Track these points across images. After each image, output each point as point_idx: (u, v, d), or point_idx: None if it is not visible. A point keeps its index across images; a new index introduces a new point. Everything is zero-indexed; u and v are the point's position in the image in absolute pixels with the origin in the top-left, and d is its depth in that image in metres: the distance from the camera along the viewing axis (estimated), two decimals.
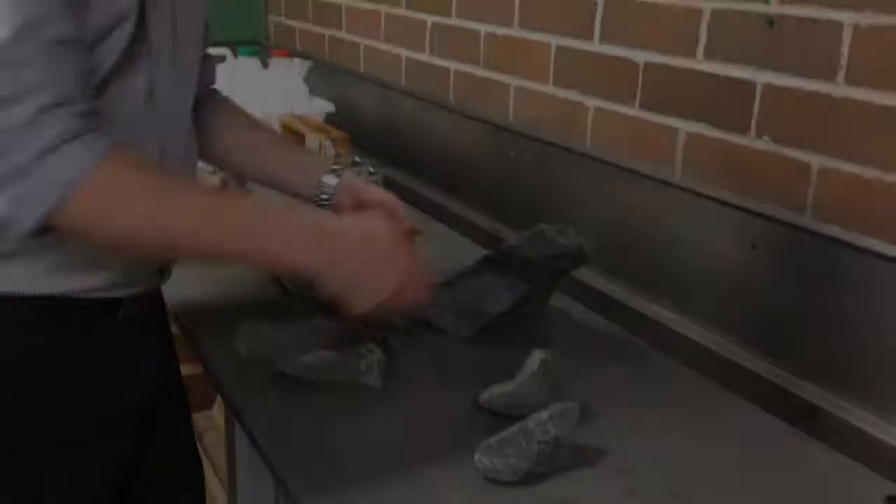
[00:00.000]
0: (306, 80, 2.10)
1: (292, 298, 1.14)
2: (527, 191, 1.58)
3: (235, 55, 2.21)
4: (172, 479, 1.14)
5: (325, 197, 1.12)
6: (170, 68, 0.91)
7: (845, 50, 1.02)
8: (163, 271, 0.98)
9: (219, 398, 1.85)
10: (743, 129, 1.16)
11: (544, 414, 0.87)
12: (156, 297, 1.02)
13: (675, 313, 1.28)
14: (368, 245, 0.89)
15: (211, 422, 1.89)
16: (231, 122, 1.15)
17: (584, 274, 1.43)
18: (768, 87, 1.12)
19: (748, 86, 1.15)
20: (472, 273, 1.19)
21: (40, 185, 0.73)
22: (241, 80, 2.10)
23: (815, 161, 1.08)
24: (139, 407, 0.98)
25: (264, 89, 1.97)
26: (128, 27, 0.82)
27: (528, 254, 1.12)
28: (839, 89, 1.03)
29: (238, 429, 1.15)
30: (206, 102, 1.12)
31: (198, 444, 1.24)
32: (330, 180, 1.12)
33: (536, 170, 1.55)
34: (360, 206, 1.12)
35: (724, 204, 1.19)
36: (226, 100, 1.18)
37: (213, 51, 2.21)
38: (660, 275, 1.31)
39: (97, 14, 0.79)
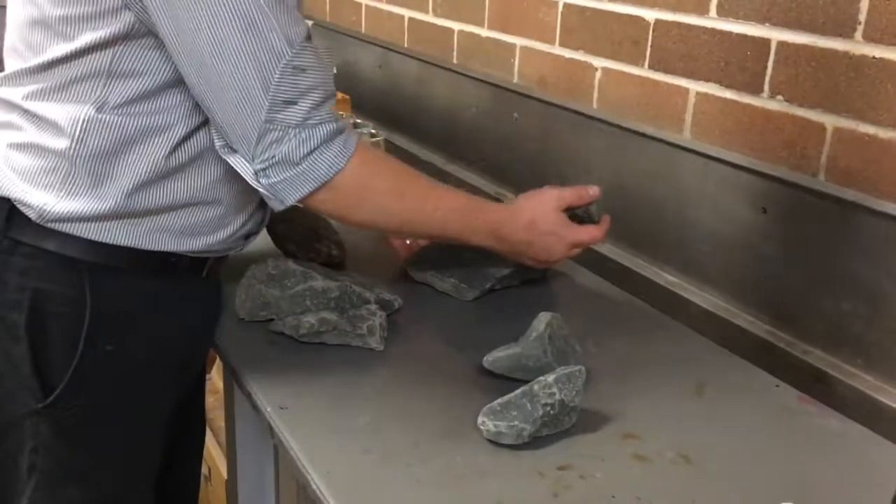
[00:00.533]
0: None
1: (292, 259, 1.12)
2: (531, 154, 1.55)
3: None
4: (195, 422, 1.23)
5: None
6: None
7: (864, 6, 0.99)
8: (248, 237, 1.05)
9: (218, 362, 1.84)
10: (756, 89, 1.13)
11: (549, 377, 0.85)
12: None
13: (683, 278, 1.26)
14: (531, 232, 1.06)
15: (210, 385, 1.88)
16: None
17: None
18: (783, 45, 1.09)
19: (762, 44, 1.11)
20: None
21: (305, 175, 0.88)
22: None
23: (830, 121, 1.05)
24: (204, 356, 1.11)
25: None
26: None
27: None
28: (857, 47, 1.00)
29: (237, 391, 1.13)
30: None
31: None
32: None
33: (541, 132, 1.52)
34: None
35: (735, 166, 1.16)
36: None
37: None
38: (668, 239, 1.29)
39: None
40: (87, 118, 0.87)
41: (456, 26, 1.75)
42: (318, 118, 0.88)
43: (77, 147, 0.88)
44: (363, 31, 2.14)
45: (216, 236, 0.98)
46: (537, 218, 1.06)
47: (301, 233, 1.22)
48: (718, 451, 0.84)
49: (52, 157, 0.89)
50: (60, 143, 0.88)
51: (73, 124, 0.87)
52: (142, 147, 0.90)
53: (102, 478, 0.99)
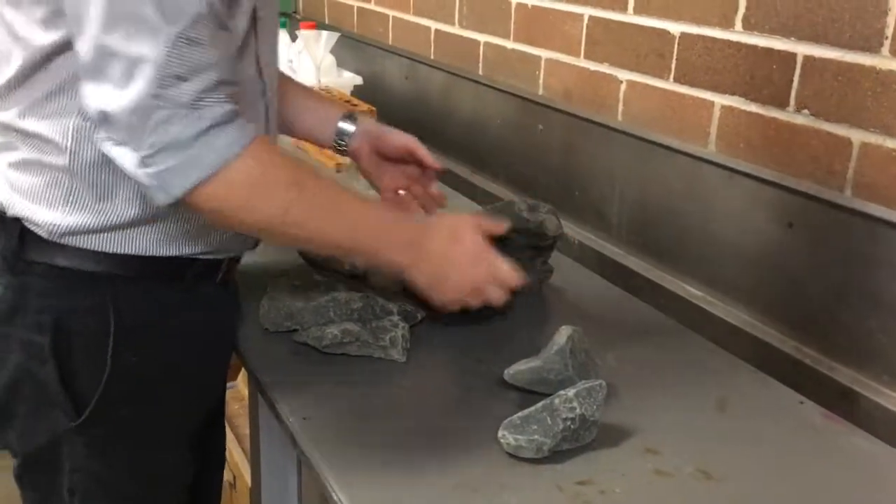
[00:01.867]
0: (334, 52, 2.08)
1: (317, 271, 1.13)
2: (555, 166, 1.55)
3: None
4: (218, 436, 1.23)
5: (342, 143, 1.18)
6: (268, 39, 0.98)
7: (891, 20, 0.98)
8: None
9: (243, 370, 1.86)
10: (782, 103, 1.13)
11: (570, 391, 0.85)
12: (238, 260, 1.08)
13: (707, 292, 1.25)
14: (454, 245, 0.96)
15: (235, 393, 1.90)
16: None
17: (613, 251, 1.41)
18: (809, 60, 1.08)
19: (788, 58, 1.11)
20: None
21: (194, 159, 0.79)
22: None
23: (857, 136, 1.04)
24: (228, 361, 1.08)
25: (292, 61, 1.95)
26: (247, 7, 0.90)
27: None
28: (884, 62, 0.99)
29: (261, 400, 1.14)
30: None
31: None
32: (347, 126, 1.17)
33: (565, 144, 1.52)
34: (377, 150, 1.18)
35: (760, 181, 1.15)
36: None
37: None
38: (692, 253, 1.28)
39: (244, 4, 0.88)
40: (76, 128, 0.86)
41: (482, 38, 1.76)
42: (211, 100, 0.79)
43: (73, 159, 0.87)
44: (390, 42, 2.16)
45: (226, 232, 0.96)
46: (460, 231, 0.98)
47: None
48: (740, 468, 0.84)
49: (52, 172, 0.88)
50: (57, 158, 0.87)
51: (64, 137, 0.86)
52: None
53: (137, 492, 1.00)
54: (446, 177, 1.81)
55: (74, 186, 0.88)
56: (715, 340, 1.15)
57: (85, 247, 0.90)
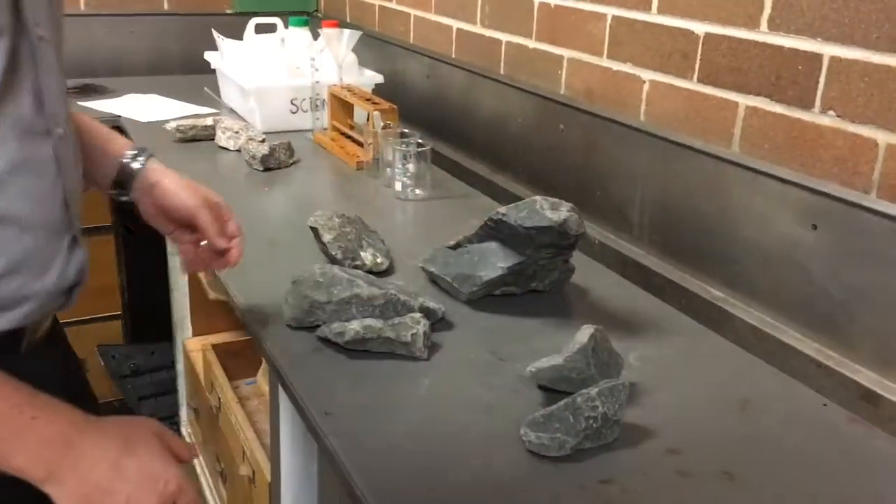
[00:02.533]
0: (356, 50, 2.08)
1: (338, 267, 1.14)
2: (576, 166, 1.55)
3: (286, 25, 2.20)
4: None
5: (121, 188, 0.99)
6: (53, 66, 0.81)
7: None
8: (71, 291, 0.85)
9: (263, 365, 1.87)
10: (807, 104, 1.12)
11: (593, 390, 0.85)
12: (54, 319, 0.91)
13: (729, 293, 1.25)
14: (125, 456, 0.74)
15: (255, 388, 1.91)
16: None
17: (634, 251, 1.41)
18: (835, 60, 1.08)
19: (814, 59, 1.10)
20: (477, 238, 1.18)
21: None
22: (291, 50, 2.10)
23: (883, 138, 1.03)
24: None
25: (314, 60, 1.96)
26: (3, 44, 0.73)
27: (513, 223, 1.10)
28: None
29: (282, 396, 1.15)
30: None
31: None
32: (130, 164, 0.98)
33: (586, 144, 1.52)
34: (159, 209, 0.99)
35: (784, 182, 1.15)
36: None
37: (263, 20, 2.23)
38: (713, 254, 1.27)
39: None
40: None
41: (504, 37, 1.77)
42: None
43: None
44: (411, 41, 2.16)
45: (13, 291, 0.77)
46: (134, 438, 0.76)
47: (347, 240, 1.24)
48: (763, 470, 0.84)
49: None
50: None
51: None
52: None
53: None
54: (467, 176, 1.82)
55: None
56: (736, 341, 1.15)
57: None
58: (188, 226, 1.01)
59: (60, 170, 0.82)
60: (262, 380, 1.87)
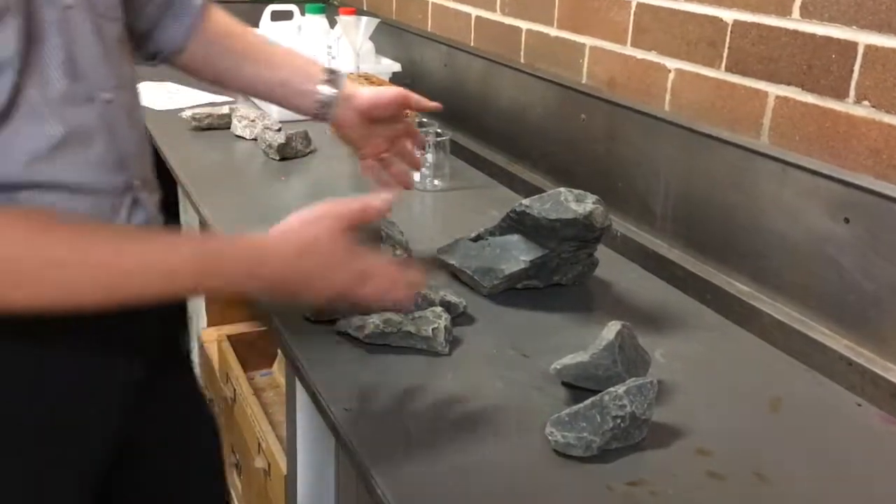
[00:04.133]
0: (373, 38, 2.06)
1: None
2: (597, 156, 1.52)
3: (303, 13, 2.18)
4: (181, 449, 1.06)
5: (322, 111, 1.10)
6: (85, 33, 0.80)
7: None
8: None
9: (279, 356, 1.85)
10: (840, 94, 1.09)
11: (620, 388, 0.82)
12: None
13: (755, 287, 1.22)
14: (306, 256, 0.82)
15: (270, 380, 1.90)
16: (216, 40, 1.08)
17: (657, 244, 1.38)
18: (871, 49, 1.04)
19: (849, 47, 1.07)
20: (498, 230, 1.16)
21: None
22: (307, 37, 2.08)
23: None
24: (133, 383, 0.90)
25: (331, 48, 1.94)
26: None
27: (537, 215, 1.07)
28: None
29: (300, 389, 1.13)
30: (191, 25, 1.06)
31: (214, 417, 1.15)
32: (326, 90, 1.09)
33: (608, 134, 1.49)
34: (367, 115, 1.10)
35: (816, 174, 1.11)
36: (209, 17, 1.09)
37: (280, 8, 2.20)
38: (740, 247, 1.24)
39: None
40: None
41: (524, 25, 1.73)
42: None
43: None
44: (429, 29, 2.13)
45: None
46: (308, 242, 0.83)
47: (366, 233, 1.22)
48: (796, 472, 0.81)
49: None
50: None
51: None
52: None
53: None
54: (485, 166, 1.80)
55: None
56: (762, 337, 1.12)
57: None
58: (390, 119, 1.11)
59: (112, 134, 0.82)
60: (277, 371, 1.86)
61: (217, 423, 1.15)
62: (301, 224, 0.84)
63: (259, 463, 1.62)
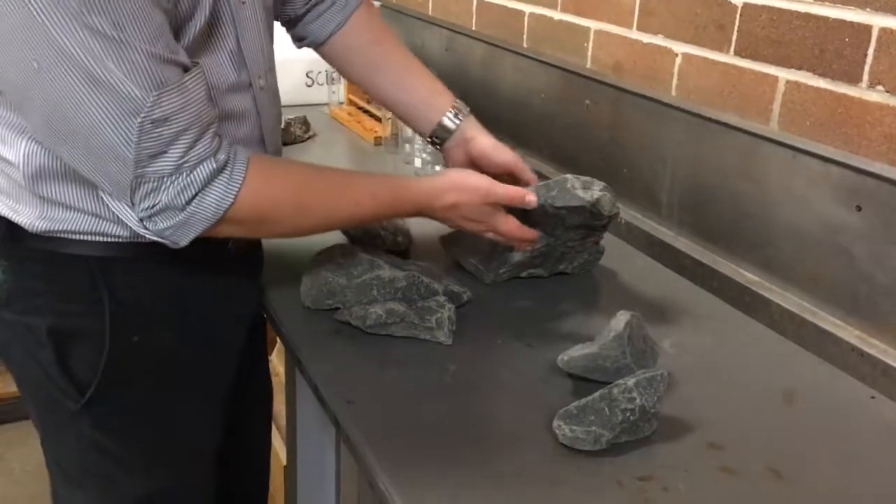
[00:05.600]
0: None
1: (359, 247, 1.09)
2: (602, 143, 1.49)
3: None
4: (260, 401, 1.23)
5: (437, 140, 1.15)
6: (251, 24, 0.93)
7: None
8: None
9: (278, 344, 1.83)
10: (853, 79, 1.06)
11: (630, 381, 0.80)
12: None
13: (764, 277, 1.19)
14: (453, 211, 0.99)
15: (270, 367, 1.88)
16: (357, 45, 1.16)
17: (663, 232, 1.35)
18: (885, 32, 1.01)
19: (862, 30, 1.04)
20: None
21: (192, 218, 0.82)
22: None
23: None
24: (248, 327, 1.07)
25: None
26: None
27: (542, 202, 1.04)
28: None
29: (300, 380, 1.11)
30: (339, 23, 1.15)
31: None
32: (449, 123, 1.14)
33: (614, 120, 1.46)
34: (473, 163, 1.13)
35: (827, 160, 1.09)
36: (360, 17, 1.17)
37: None
38: (748, 236, 1.22)
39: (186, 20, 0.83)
40: (27, 152, 0.84)
41: (527, 8, 1.70)
42: (194, 159, 0.80)
43: (28, 180, 0.85)
44: (430, 13, 2.10)
45: None
46: (461, 203, 0.99)
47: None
48: (811, 467, 0.79)
49: (15, 183, 0.87)
50: (14, 172, 0.86)
51: (16, 156, 0.85)
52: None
53: (159, 469, 0.98)
54: None
55: (37, 199, 0.87)
56: (772, 326, 1.10)
57: (72, 237, 0.88)
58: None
59: (259, 115, 0.96)
60: (276, 359, 1.83)
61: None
62: (456, 181, 1.00)
63: None
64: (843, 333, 1.08)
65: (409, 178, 1.02)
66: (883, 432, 0.86)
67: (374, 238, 1.18)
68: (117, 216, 0.85)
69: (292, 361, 1.07)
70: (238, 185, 0.83)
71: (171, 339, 0.95)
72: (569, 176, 1.05)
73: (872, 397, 0.92)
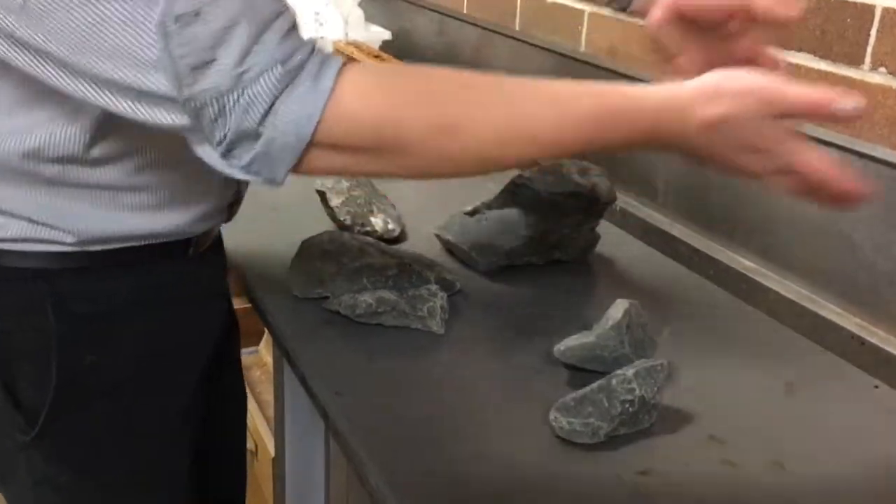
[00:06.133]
0: (362, 5, 1.98)
1: (348, 234, 1.06)
2: None
3: None
4: (229, 408, 1.12)
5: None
6: None
7: None
8: (231, 207, 0.93)
9: (266, 334, 1.80)
10: (856, 61, 1.03)
11: (629, 371, 0.78)
12: (217, 235, 0.97)
13: (762, 264, 1.17)
14: (715, 131, 0.65)
15: (256, 358, 1.85)
16: None
17: (658, 218, 1.33)
18: (889, 13, 0.99)
19: (865, 10, 1.01)
20: (496, 204, 1.10)
21: (274, 145, 0.62)
22: (294, 3, 2.00)
23: None
24: (214, 348, 0.96)
25: (318, 14, 1.86)
26: None
27: (537, 188, 1.01)
28: None
29: (287, 371, 1.08)
30: None
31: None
32: None
33: None
34: (682, 11, 0.77)
35: (828, 144, 1.06)
36: None
37: None
38: (746, 221, 1.20)
39: None
40: None
41: None
42: (256, 67, 0.60)
43: None
44: None
45: (164, 217, 0.82)
46: (732, 116, 0.64)
47: (356, 205, 1.16)
48: (816, 459, 0.77)
49: None
50: None
51: None
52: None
53: (121, 488, 0.90)
54: None
55: None
56: (771, 315, 1.08)
57: (6, 247, 0.78)
58: (718, 25, 0.76)
59: None
60: (264, 349, 1.81)
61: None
62: (717, 92, 0.65)
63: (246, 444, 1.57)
64: (844, 322, 1.05)
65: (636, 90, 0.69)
66: (887, 422, 0.83)
67: (363, 225, 1.15)
68: (57, 221, 0.76)
69: (280, 353, 1.04)
70: (327, 93, 0.61)
71: (129, 357, 0.85)
72: (564, 161, 1.03)
73: (876, 387, 0.89)
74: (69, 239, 0.78)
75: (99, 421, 0.85)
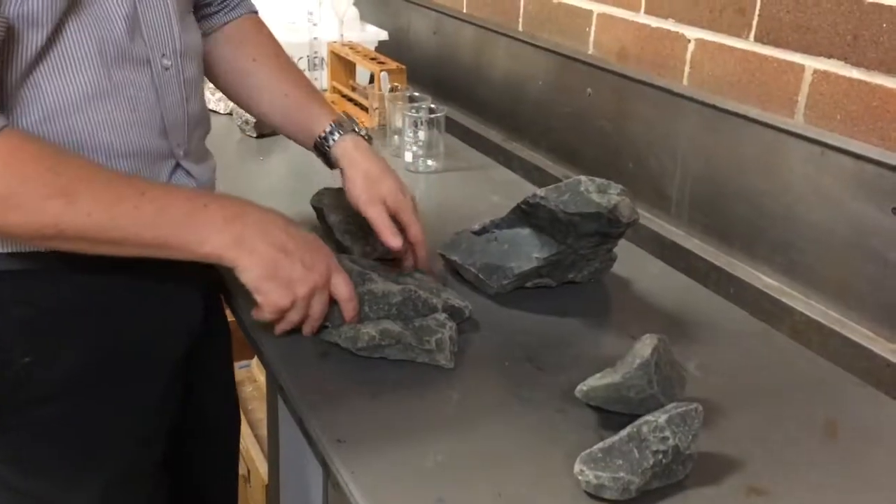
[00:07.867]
0: (357, 5, 1.90)
1: (347, 256, 0.99)
2: (605, 134, 1.39)
3: None
4: (216, 422, 1.12)
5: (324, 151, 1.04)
6: (159, 2, 0.83)
7: None
8: None
9: None
10: (891, 69, 0.96)
11: (661, 417, 0.70)
12: None
13: (786, 282, 1.10)
14: (283, 232, 0.83)
15: (248, 373, 1.77)
16: (244, 52, 1.06)
17: (673, 232, 1.26)
18: None
19: None
20: (506, 223, 1.02)
21: None
22: (288, 3, 1.92)
23: None
24: (184, 349, 0.95)
25: (312, 14, 1.78)
26: None
27: (553, 208, 0.94)
28: None
29: (283, 408, 1.01)
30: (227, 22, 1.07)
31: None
32: (329, 142, 1.03)
33: (618, 111, 1.36)
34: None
35: (859, 157, 1.00)
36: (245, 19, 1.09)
37: None
38: (768, 237, 1.13)
39: None
40: None
41: None
42: None
43: None
44: None
45: None
46: (291, 224, 0.85)
47: (356, 224, 1.08)
48: None
49: None
50: None
51: None
52: None
53: (80, 487, 0.88)
54: (479, 143, 1.66)
55: None
56: (793, 337, 1.01)
57: None
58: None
59: (160, 100, 0.84)
60: (256, 367, 1.73)
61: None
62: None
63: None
64: (875, 346, 0.99)
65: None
66: None
67: (364, 245, 1.07)
68: None
69: (273, 387, 0.97)
70: None
71: (83, 357, 0.83)
72: (582, 178, 0.95)
73: None
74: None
75: (51, 421, 0.84)
